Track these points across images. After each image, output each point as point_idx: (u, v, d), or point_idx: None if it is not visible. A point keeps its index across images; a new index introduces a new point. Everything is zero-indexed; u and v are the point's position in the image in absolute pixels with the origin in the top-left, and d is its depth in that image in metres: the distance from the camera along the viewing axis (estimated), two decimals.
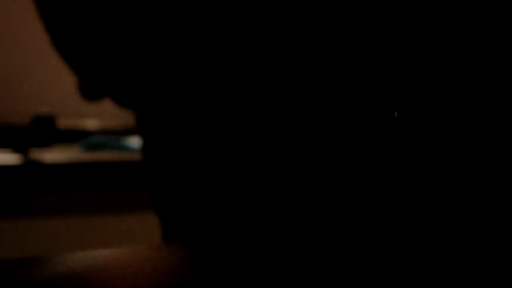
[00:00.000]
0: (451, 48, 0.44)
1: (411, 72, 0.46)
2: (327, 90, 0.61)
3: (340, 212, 0.58)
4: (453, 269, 0.44)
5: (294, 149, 0.76)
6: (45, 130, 1.78)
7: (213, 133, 0.84)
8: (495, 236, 0.43)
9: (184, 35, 0.82)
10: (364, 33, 0.53)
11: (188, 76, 0.81)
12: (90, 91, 0.88)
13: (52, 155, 1.64)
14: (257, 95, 0.77)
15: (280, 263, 0.52)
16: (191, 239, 0.83)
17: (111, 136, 1.92)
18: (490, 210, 0.43)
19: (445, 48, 0.44)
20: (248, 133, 0.81)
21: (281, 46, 0.75)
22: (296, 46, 0.74)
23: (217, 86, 0.80)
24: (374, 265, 0.47)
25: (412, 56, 0.46)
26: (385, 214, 0.49)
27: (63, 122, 1.93)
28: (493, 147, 0.43)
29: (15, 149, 1.65)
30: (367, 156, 0.54)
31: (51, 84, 1.98)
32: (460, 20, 0.44)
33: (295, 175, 0.75)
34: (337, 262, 0.51)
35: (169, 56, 0.79)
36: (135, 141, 1.84)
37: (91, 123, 2.03)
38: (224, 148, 0.82)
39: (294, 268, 0.50)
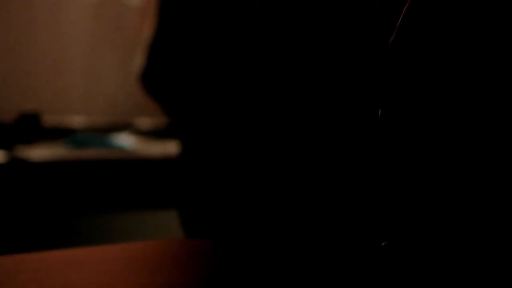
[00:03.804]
0: (450, 47, 0.44)
1: (408, 71, 0.46)
2: (326, 89, 0.61)
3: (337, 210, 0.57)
4: (452, 269, 0.44)
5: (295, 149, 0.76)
6: (30, 127, 1.78)
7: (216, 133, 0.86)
8: (493, 236, 0.43)
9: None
10: (364, 32, 0.53)
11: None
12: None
13: (38, 152, 1.64)
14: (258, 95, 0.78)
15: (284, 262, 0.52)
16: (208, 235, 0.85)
17: (96, 133, 1.92)
18: (488, 209, 0.43)
19: (444, 47, 0.44)
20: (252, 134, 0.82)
21: (280, 46, 0.75)
22: (295, 46, 0.74)
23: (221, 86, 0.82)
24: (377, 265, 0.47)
25: (411, 55, 0.46)
26: (383, 213, 0.48)
27: (48, 119, 1.93)
28: (492, 146, 0.43)
29: (0, 146, 1.65)
30: (364, 155, 0.53)
31: (37, 81, 1.98)
32: (459, 19, 0.44)
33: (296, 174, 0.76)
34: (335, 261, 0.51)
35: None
36: (120, 139, 1.84)
37: (77, 120, 2.03)
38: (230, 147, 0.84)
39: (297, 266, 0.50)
